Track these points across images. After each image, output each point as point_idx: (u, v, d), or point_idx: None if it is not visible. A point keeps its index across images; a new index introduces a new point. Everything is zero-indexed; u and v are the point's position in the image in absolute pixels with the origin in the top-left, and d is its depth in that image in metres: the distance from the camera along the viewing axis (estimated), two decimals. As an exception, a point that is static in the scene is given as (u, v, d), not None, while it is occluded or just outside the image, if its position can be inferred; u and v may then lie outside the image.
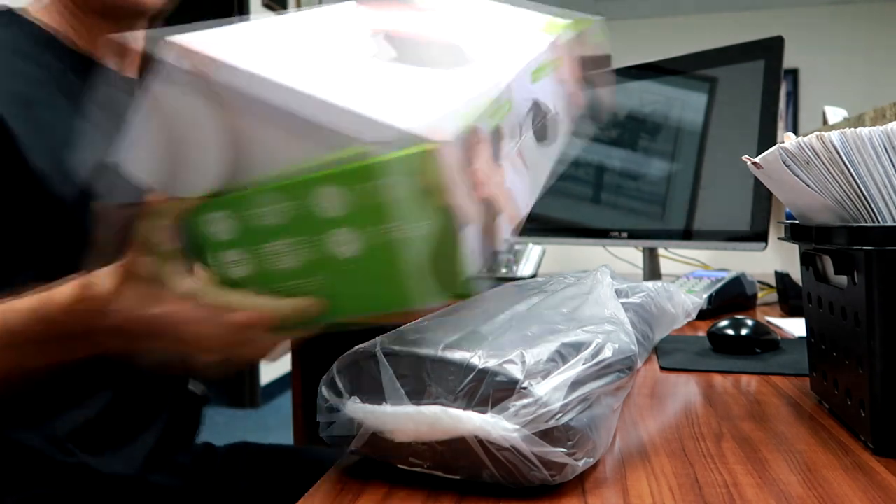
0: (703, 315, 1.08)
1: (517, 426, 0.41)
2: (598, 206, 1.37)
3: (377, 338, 0.48)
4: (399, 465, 0.46)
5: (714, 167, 1.18)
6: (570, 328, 0.49)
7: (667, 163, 1.26)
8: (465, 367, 0.43)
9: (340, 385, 0.47)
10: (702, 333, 0.94)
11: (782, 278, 1.16)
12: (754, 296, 1.20)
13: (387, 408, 0.45)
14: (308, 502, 0.44)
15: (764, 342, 0.82)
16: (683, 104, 1.24)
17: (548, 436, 0.42)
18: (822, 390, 0.62)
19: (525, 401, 0.42)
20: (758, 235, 1.08)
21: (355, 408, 0.46)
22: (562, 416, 0.42)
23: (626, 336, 0.51)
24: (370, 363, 0.46)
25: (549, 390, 0.42)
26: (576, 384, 0.44)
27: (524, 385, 0.42)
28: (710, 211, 1.18)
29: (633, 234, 1.30)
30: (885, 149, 0.50)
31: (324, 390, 0.48)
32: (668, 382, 0.71)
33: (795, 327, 0.98)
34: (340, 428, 0.47)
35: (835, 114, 2.19)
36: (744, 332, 0.82)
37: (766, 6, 7.00)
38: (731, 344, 0.82)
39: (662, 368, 0.76)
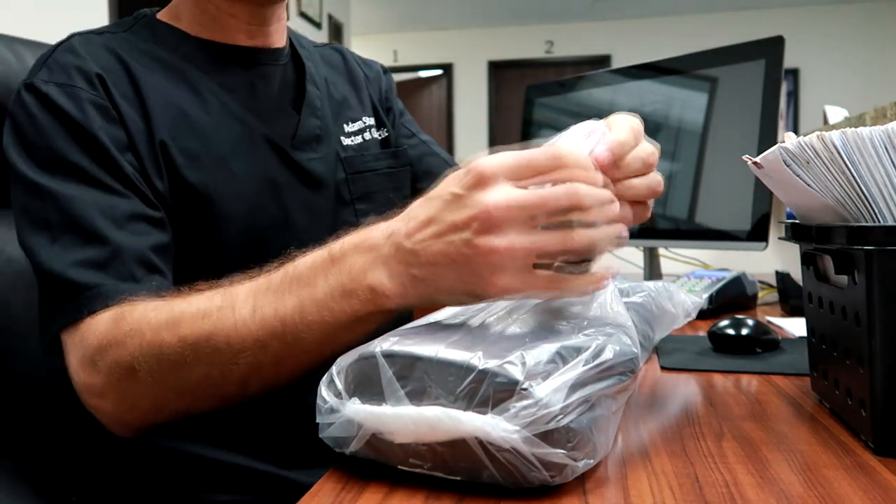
0: (703, 315, 1.08)
1: (517, 427, 0.41)
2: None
3: (376, 339, 0.48)
4: (399, 467, 0.46)
5: (714, 167, 1.18)
6: (571, 330, 0.49)
7: (667, 162, 1.26)
8: (465, 368, 0.43)
9: (340, 386, 0.47)
10: (702, 333, 0.94)
11: (783, 278, 1.16)
12: (755, 295, 1.20)
13: (387, 409, 0.45)
14: (309, 502, 0.44)
15: (764, 342, 0.82)
16: (684, 104, 1.24)
17: (548, 437, 0.42)
18: (822, 390, 0.62)
19: (525, 402, 0.41)
20: (758, 235, 1.08)
21: (355, 409, 0.46)
22: (562, 418, 0.42)
23: (628, 339, 0.50)
24: (370, 364, 0.46)
25: (550, 392, 0.42)
26: (576, 386, 0.43)
27: (524, 386, 0.42)
28: (710, 210, 1.17)
29: (634, 234, 1.30)
30: (886, 148, 0.50)
31: (323, 391, 0.48)
32: (669, 382, 0.71)
33: (796, 327, 0.98)
34: (340, 429, 0.46)
35: (835, 113, 2.20)
36: (744, 331, 0.82)
37: (766, 6, 7.00)
38: (731, 344, 0.82)
39: (663, 368, 0.76)
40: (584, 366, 0.45)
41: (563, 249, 0.48)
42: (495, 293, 0.48)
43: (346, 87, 0.90)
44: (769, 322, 1.03)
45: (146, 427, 0.62)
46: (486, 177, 0.47)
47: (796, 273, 0.77)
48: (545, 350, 0.44)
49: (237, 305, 0.55)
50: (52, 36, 0.86)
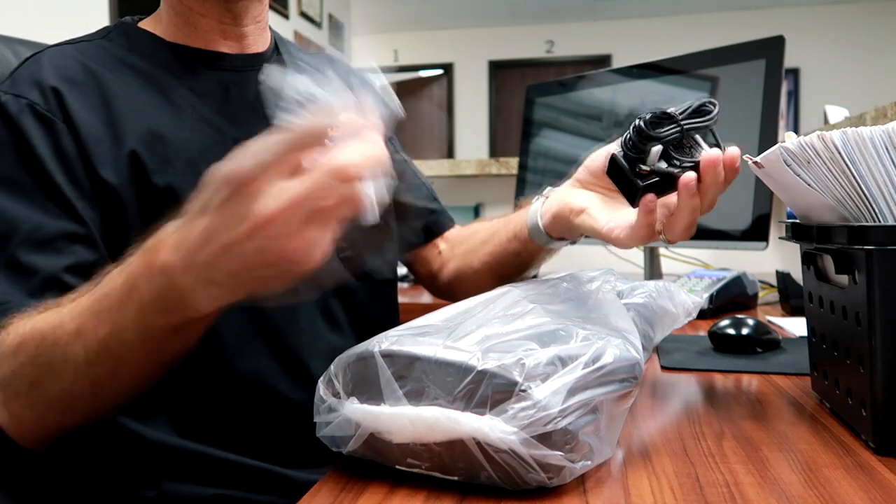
0: (704, 314, 1.08)
1: (515, 429, 0.41)
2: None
3: (374, 338, 0.48)
4: (397, 467, 0.46)
5: (715, 166, 1.17)
6: (572, 333, 0.49)
7: (667, 162, 1.25)
8: (464, 369, 0.43)
9: (338, 385, 0.47)
10: (703, 333, 0.94)
11: (783, 278, 1.16)
12: (755, 295, 1.20)
13: (385, 409, 0.44)
14: (309, 502, 0.44)
15: (765, 341, 0.82)
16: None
17: (546, 439, 0.41)
18: (823, 390, 0.62)
19: (524, 403, 0.41)
20: (759, 235, 1.08)
21: (353, 409, 0.46)
22: (560, 420, 0.42)
23: (630, 345, 0.50)
24: (368, 364, 0.46)
25: (549, 394, 0.42)
26: (575, 389, 0.43)
27: (523, 388, 0.42)
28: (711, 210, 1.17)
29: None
30: (886, 148, 0.50)
31: (322, 390, 0.48)
32: (670, 382, 0.71)
33: (796, 327, 0.98)
34: (338, 428, 0.46)
35: (836, 113, 2.19)
36: (745, 331, 0.82)
37: (766, 6, 7.00)
38: (732, 343, 0.82)
39: (663, 368, 0.76)
40: (583, 369, 0.45)
41: (347, 217, 0.45)
42: (306, 275, 0.46)
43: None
44: (770, 322, 1.03)
45: (47, 440, 0.63)
46: (246, 184, 0.44)
47: (797, 273, 0.77)
48: (544, 352, 0.44)
49: (65, 324, 0.56)
50: (54, 37, 0.87)
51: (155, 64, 0.77)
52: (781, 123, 1.13)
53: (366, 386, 0.46)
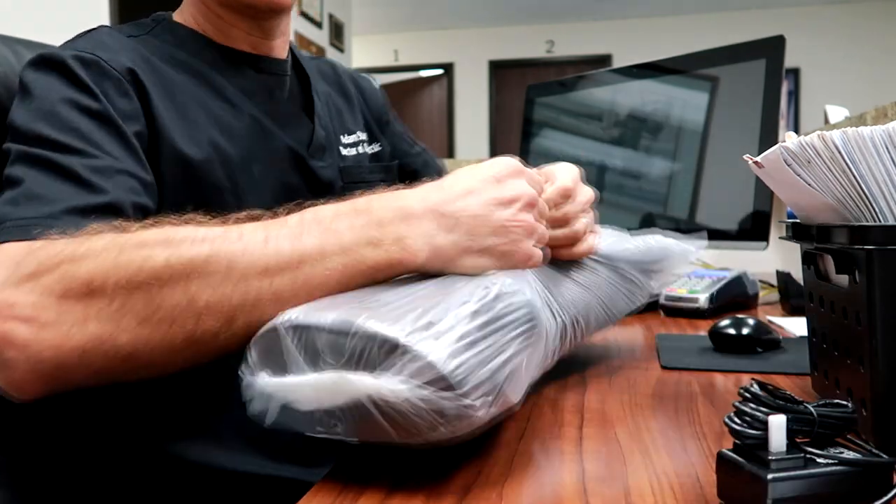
0: (704, 314, 1.08)
1: (404, 378, 0.42)
2: (600, 205, 1.37)
3: (287, 310, 0.48)
4: (318, 435, 0.46)
5: (715, 166, 1.18)
6: (465, 286, 0.49)
7: (668, 162, 1.26)
8: (350, 332, 0.44)
9: (252, 360, 0.48)
10: (703, 333, 0.94)
11: (784, 277, 1.16)
12: (756, 295, 1.20)
13: (289, 378, 0.45)
14: (308, 502, 0.44)
15: (765, 341, 0.82)
16: (685, 103, 1.24)
17: (438, 387, 0.42)
18: (823, 389, 0.62)
19: (409, 356, 0.42)
20: (759, 234, 1.08)
21: (265, 382, 0.46)
22: (448, 367, 0.42)
23: (521, 290, 0.50)
24: (272, 337, 0.47)
25: (435, 343, 0.43)
26: (463, 335, 0.44)
27: (408, 341, 0.42)
28: (711, 210, 1.17)
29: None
30: (887, 148, 0.50)
31: (242, 368, 0.49)
32: (670, 381, 0.71)
33: (797, 326, 0.98)
34: (258, 403, 0.47)
35: (836, 113, 2.20)
36: (745, 331, 0.82)
37: (766, 6, 7.00)
38: (732, 343, 0.82)
39: (664, 367, 0.76)
40: (469, 316, 0.45)
41: (546, 240, 0.58)
42: (522, 257, 0.54)
43: (339, 101, 0.93)
44: (770, 321, 1.03)
45: (57, 384, 0.50)
46: (521, 171, 0.55)
47: (797, 272, 0.77)
48: (430, 304, 0.45)
49: (245, 233, 0.50)
50: (54, 37, 0.87)
51: (203, 61, 0.78)
52: (782, 123, 1.14)
53: (274, 358, 0.47)
